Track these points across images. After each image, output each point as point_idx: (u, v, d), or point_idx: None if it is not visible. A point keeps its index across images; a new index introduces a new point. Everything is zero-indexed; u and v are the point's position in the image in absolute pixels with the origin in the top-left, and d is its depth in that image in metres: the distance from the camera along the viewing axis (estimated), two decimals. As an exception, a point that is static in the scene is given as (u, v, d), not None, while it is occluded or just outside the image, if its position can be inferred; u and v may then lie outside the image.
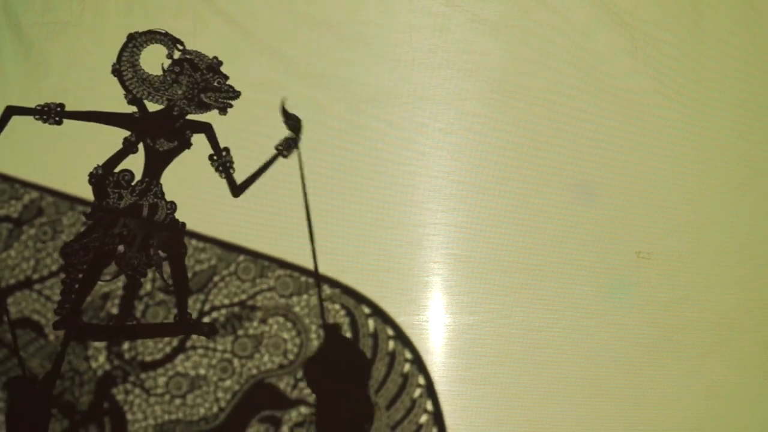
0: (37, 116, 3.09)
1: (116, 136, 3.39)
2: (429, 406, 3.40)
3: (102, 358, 3.44)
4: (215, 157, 3.09)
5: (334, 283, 3.44)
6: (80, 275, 2.98)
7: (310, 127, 3.46)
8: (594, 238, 3.47)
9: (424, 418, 3.40)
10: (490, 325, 3.40)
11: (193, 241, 3.46)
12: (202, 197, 3.44)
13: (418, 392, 3.42)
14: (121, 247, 3.05)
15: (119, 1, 3.61)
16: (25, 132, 3.50)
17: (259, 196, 3.44)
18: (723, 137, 3.59)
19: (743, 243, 3.55)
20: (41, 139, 3.46)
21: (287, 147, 3.21)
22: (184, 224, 3.19)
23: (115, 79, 3.53)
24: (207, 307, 3.48)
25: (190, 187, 3.39)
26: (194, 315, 3.43)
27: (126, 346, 3.46)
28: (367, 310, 3.44)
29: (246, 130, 3.47)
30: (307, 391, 3.39)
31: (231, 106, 3.12)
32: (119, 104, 3.44)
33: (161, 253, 3.07)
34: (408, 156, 3.45)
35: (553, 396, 3.40)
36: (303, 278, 3.46)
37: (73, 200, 3.49)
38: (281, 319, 3.45)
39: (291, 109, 3.12)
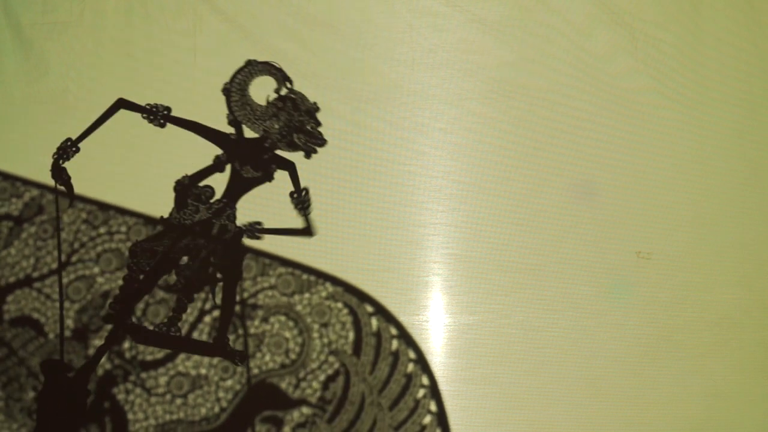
0: (144, 114, 3.07)
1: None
2: (433, 406, 3.40)
3: (102, 358, 3.44)
4: (295, 195, 3.10)
5: (336, 281, 3.44)
6: (141, 276, 2.98)
7: (310, 127, 3.45)
8: (594, 238, 3.47)
9: (427, 419, 3.40)
10: (490, 325, 3.40)
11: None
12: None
13: (421, 393, 3.42)
14: (185, 258, 3.06)
15: (119, 1, 3.61)
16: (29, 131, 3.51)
17: (260, 194, 3.44)
18: (723, 137, 3.59)
19: (743, 243, 3.55)
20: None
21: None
22: (246, 252, 3.18)
23: (115, 79, 3.53)
24: (208, 306, 3.48)
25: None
26: (195, 314, 3.43)
27: (126, 345, 3.46)
28: (370, 309, 3.44)
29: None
30: (309, 391, 3.40)
31: (316, 152, 3.12)
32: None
33: (218, 275, 3.07)
34: (408, 156, 3.45)
35: (553, 396, 3.40)
36: (305, 276, 3.46)
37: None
38: (283, 318, 3.45)
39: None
